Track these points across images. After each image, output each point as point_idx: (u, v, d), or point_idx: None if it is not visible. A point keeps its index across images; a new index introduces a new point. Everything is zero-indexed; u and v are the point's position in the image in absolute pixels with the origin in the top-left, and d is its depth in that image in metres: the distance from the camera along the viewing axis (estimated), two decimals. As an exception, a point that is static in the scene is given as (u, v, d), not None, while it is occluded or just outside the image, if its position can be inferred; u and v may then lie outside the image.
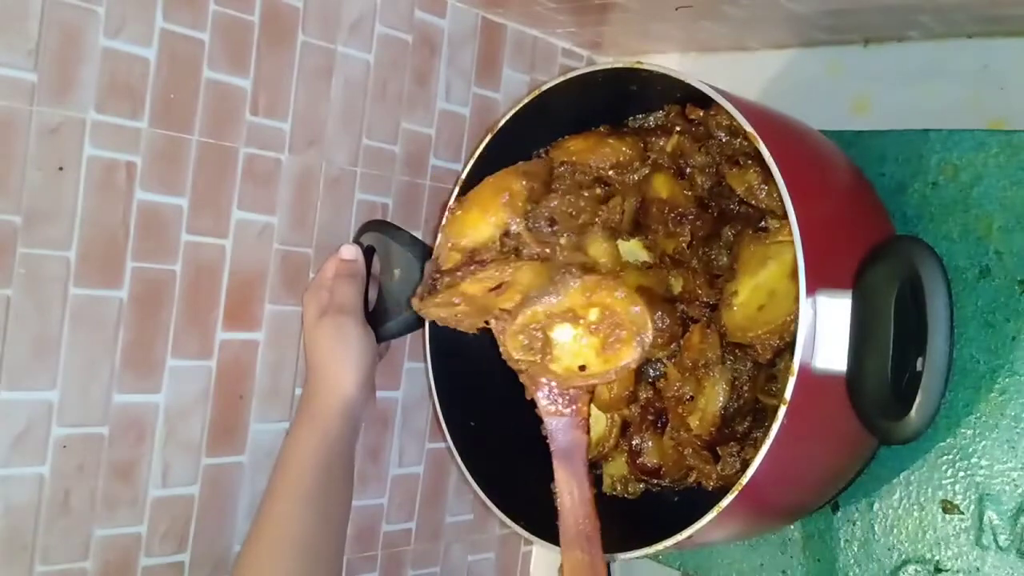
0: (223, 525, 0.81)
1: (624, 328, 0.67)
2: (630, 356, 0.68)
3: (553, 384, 0.71)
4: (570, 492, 0.69)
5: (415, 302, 0.75)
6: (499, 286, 0.70)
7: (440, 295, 0.72)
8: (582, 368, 0.69)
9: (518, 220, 0.72)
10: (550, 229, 0.72)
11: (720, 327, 0.72)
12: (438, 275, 0.73)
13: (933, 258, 0.61)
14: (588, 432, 0.72)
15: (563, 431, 0.71)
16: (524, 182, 0.74)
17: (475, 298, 0.71)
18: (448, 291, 0.72)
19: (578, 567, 0.67)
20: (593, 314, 0.68)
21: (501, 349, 0.72)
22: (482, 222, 0.73)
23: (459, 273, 0.71)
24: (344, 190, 0.87)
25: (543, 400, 0.72)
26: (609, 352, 0.68)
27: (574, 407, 0.72)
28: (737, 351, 0.73)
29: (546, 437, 0.73)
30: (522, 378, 0.73)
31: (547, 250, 0.71)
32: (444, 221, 0.76)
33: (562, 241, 0.72)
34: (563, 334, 0.69)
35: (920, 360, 0.60)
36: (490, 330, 0.73)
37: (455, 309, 0.72)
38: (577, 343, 0.69)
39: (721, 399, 0.73)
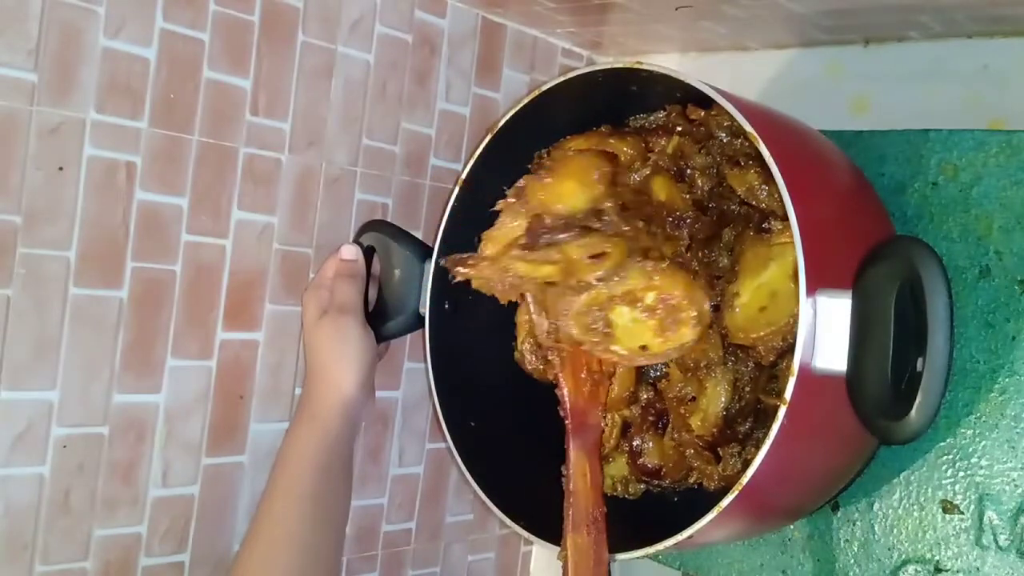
0: (223, 525, 0.81)
1: (682, 310, 0.69)
2: (689, 335, 0.69)
3: (579, 366, 0.72)
4: (583, 475, 0.70)
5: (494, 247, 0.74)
6: (600, 255, 0.70)
7: (542, 251, 0.72)
8: (643, 348, 0.70)
9: (610, 198, 0.73)
10: (624, 212, 0.73)
11: (722, 328, 0.73)
12: (545, 230, 0.73)
13: (933, 258, 0.61)
14: (604, 417, 0.73)
15: (582, 413, 0.72)
16: (609, 164, 0.75)
17: (571, 262, 0.71)
18: (549, 248, 0.72)
19: (583, 550, 0.67)
20: (650, 297, 0.69)
21: (541, 328, 0.73)
22: (580, 193, 0.73)
23: (565, 234, 0.72)
24: (344, 190, 0.87)
25: (567, 382, 0.72)
26: (669, 332, 0.69)
27: (595, 391, 0.72)
28: (739, 352, 0.73)
29: (564, 418, 0.73)
30: (551, 356, 0.74)
31: (631, 230, 0.72)
32: (528, 185, 0.75)
33: (639, 224, 0.72)
34: (623, 316, 0.70)
35: (920, 360, 0.60)
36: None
37: (540, 270, 0.72)
38: (637, 324, 0.70)
39: (723, 400, 0.73)
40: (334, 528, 0.75)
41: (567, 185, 0.73)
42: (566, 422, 0.73)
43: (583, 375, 0.73)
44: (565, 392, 0.73)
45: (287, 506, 0.73)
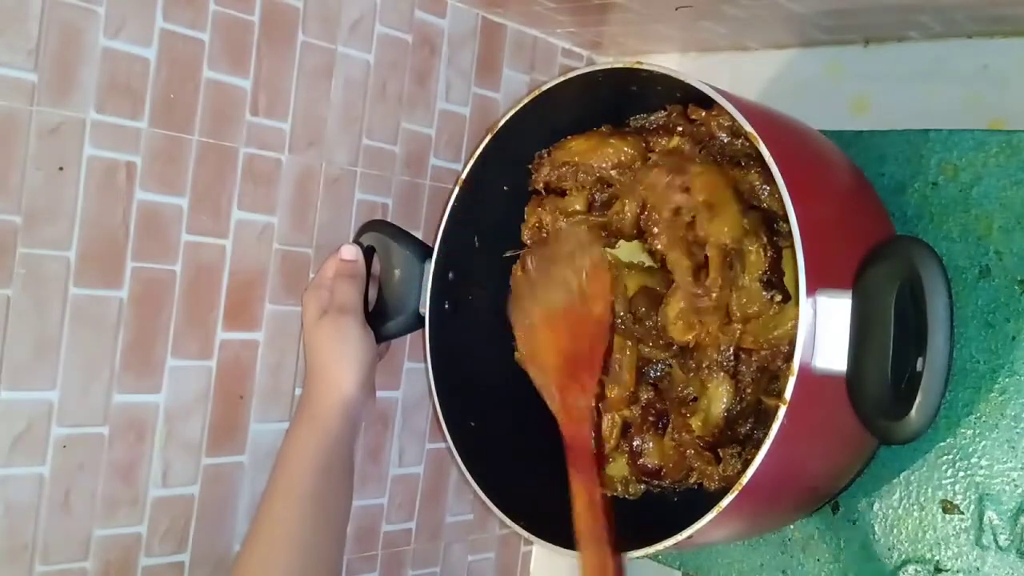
0: (223, 525, 0.81)
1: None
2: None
3: (566, 386, 0.73)
4: (579, 495, 0.70)
5: None
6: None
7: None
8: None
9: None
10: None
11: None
12: None
13: (933, 258, 0.61)
14: (598, 434, 0.73)
15: (575, 435, 0.72)
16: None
17: None
18: None
19: (590, 566, 0.67)
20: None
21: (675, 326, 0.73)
22: (736, 205, 0.73)
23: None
24: (344, 190, 0.87)
25: (555, 401, 0.73)
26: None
27: (585, 404, 0.73)
28: (742, 353, 0.73)
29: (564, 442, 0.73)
30: (539, 381, 0.75)
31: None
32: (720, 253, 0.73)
33: None
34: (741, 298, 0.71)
35: (920, 360, 0.60)
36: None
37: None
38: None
39: (724, 401, 0.73)
40: (335, 528, 0.75)
41: (731, 209, 0.72)
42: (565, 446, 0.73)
43: (568, 394, 0.73)
44: (556, 415, 0.74)
45: (287, 507, 0.73)
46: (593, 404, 0.73)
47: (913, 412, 0.60)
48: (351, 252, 0.81)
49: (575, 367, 0.74)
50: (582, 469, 0.71)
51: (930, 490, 0.76)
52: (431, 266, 0.80)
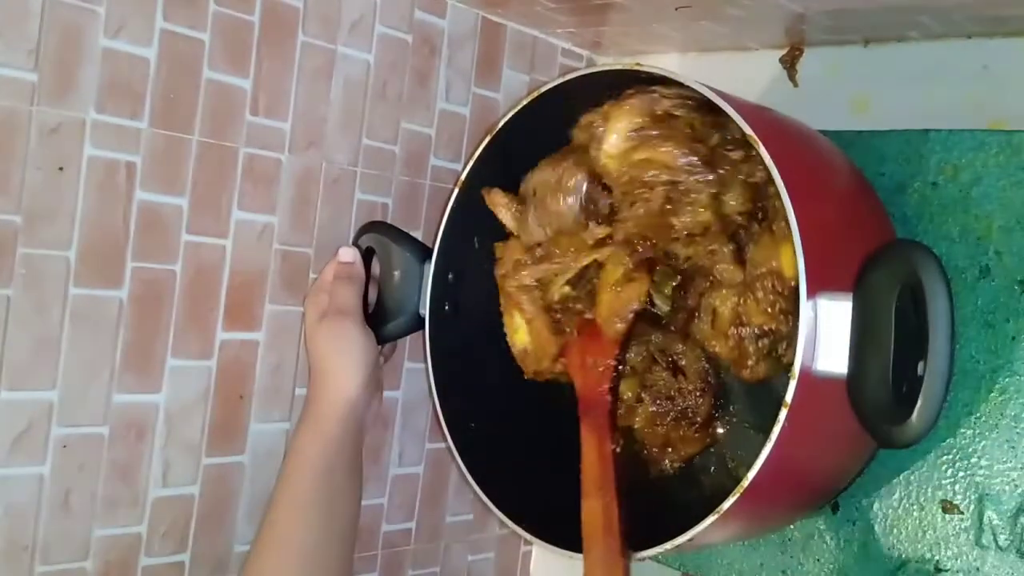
0: (223, 525, 0.81)
1: None
2: None
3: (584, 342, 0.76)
4: (589, 445, 0.71)
5: None
6: None
7: None
8: None
9: None
10: None
11: None
12: None
13: (934, 262, 0.61)
14: (615, 387, 0.75)
15: (588, 387, 0.74)
16: None
17: None
18: None
19: (592, 513, 0.68)
20: None
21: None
22: None
23: None
24: (344, 190, 0.87)
25: (573, 357, 0.75)
26: None
27: (599, 361, 0.75)
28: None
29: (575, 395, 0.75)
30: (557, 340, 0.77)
31: None
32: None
33: None
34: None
35: (921, 364, 0.60)
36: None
37: None
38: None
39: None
40: (340, 531, 0.74)
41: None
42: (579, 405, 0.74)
43: (589, 362, 0.75)
44: (569, 368, 0.76)
45: (289, 511, 0.73)
46: (612, 363, 0.75)
47: (914, 416, 0.60)
48: (349, 255, 0.81)
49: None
50: (593, 416, 0.73)
51: (930, 490, 0.76)
52: (431, 267, 0.80)
